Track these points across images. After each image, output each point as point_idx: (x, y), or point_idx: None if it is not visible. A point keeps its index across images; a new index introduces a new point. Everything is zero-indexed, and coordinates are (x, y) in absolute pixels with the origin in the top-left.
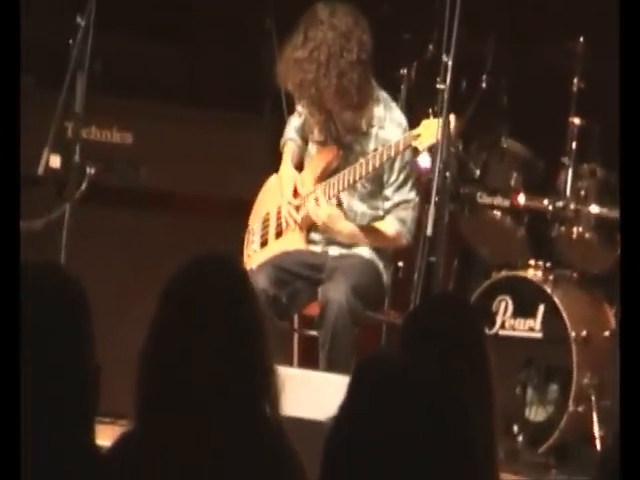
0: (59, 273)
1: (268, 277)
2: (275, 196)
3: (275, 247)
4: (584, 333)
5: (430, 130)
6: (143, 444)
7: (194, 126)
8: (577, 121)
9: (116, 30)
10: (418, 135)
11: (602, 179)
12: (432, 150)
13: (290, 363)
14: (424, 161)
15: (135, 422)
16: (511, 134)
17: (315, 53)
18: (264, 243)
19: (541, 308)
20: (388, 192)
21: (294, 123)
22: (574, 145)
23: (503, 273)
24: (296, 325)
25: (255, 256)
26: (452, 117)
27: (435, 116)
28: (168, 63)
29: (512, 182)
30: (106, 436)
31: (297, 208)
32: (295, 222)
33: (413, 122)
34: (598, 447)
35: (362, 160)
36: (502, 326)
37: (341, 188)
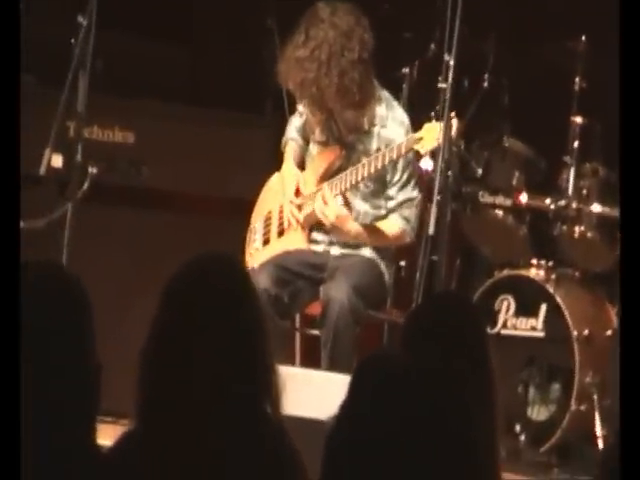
0: (60, 272)
1: (270, 276)
2: (277, 195)
3: (277, 246)
4: (586, 332)
5: (432, 134)
6: (144, 444)
7: (196, 125)
8: (579, 120)
9: (118, 29)
10: (420, 138)
11: (604, 178)
12: (434, 153)
13: (292, 362)
14: (426, 164)
15: (136, 422)
16: (513, 133)
17: (316, 52)
18: (266, 242)
19: (543, 307)
20: (392, 191)
21: (295, 123)
22: (576, 144)
23: (505, 272)
24: (298, 324)
25: (257, 254)
26: (454, 120)
27: (437, 118)
28: (170, 62)
29: (514, 181)
30: (108, 435)
31: (299, 207)
32: (297, 221)
33: (415, 121)
34: (600, 446)
35: (365, 161)
36: (504, 325)
37: (344, 188)
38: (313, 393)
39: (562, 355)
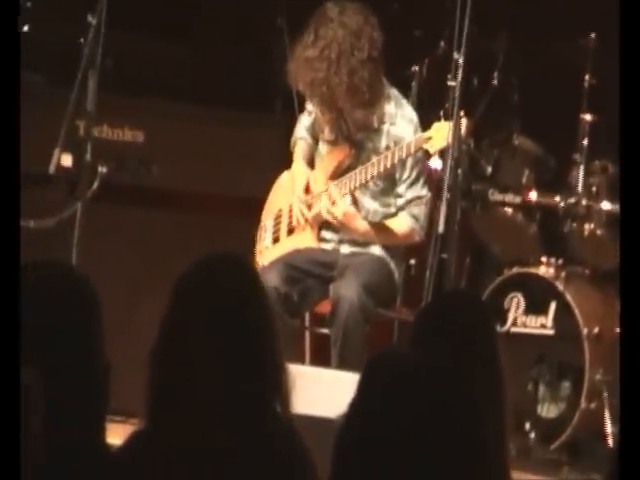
0: (69, 271)
1: (279, 275)
2: (287, 193)
3: (287, 244)
4: (596, 330)
5: (441, 133)
6: (153, 443)
7: (205, 124)
8: (588, 117)
9: (127, 29)
10: (429, 138)
11: (613, 175)
12: (443, 153)
13: (302, 361)
14: (435, 163)
15: (145, 421)
16: (522, 131)
17: (326, 52)
18: (276, 240)
19: (553, 305)
20: (401, 189)
21: (304, 122)
22: (585, 141)
23: (515, 270)
24: (307, 323)
25: (267, 252)
26: (464, 120)
27: (446, 116)
28: (179, 61)
29: (524, 179)
30: (118, 435)
31: (309, 206)
32: (305, 220)
33: (425, 119)
34: (610, 444)
35: (374, 160)
36: (514, 323)
37: (353, 187)
38: (323, 391)
39: (572, 353)
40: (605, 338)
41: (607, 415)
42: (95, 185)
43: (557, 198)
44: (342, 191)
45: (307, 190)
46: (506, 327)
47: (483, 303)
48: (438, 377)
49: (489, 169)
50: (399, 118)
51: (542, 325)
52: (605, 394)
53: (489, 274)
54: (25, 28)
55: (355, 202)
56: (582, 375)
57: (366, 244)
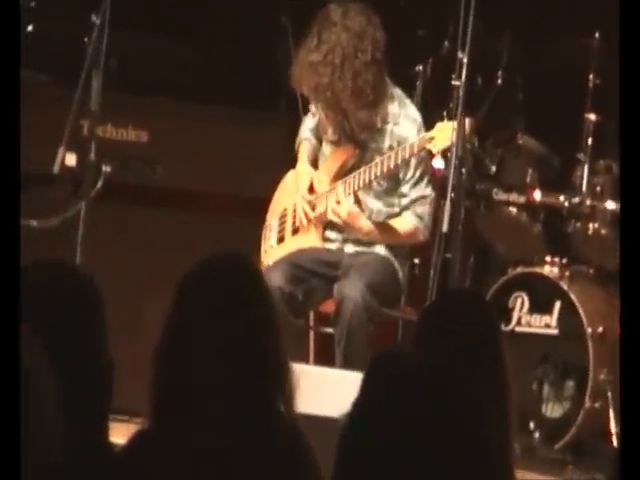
0: (72, 271)
1: (284, 274)
2: (292, 192)
3: (291, 244)
4: (600, 329)
5: (444, 133)
6: (157, 442)
7: (209, 124)
8: (593, 117)
9: (131, 28)
10: (432, 138)
11: (618, 175)
12: (446, 152)
13: (306, 360)
14: (438, 163)
15: (149, 420)
16: (527, 130)
17: (329, 56)
18: (281, 239)
19: (557, 304)
20: (405, 189)
21: (308, 124)
22: (590, 141)
23: (519, 269)
24: (312, 322)
25: (272, 252)
26: (467, 120)
27: (450, 115)
28: (183, 61)
29: (528, 178)
30: (122, 434)
31: (312, 206)
32: (308, 220)
33: (429, 119)
34: (615, 443)
35: (377, 160)
36: (518, 322)
37: (356, 187)
38: (327, 391)
39: (576, 352)
40: (609, 337)
41: (611, 414)
42: (99, 184)
43: (561, 198)
44: (347, 190)
45: (311, 190)
46: (510, 326)
47: (487, 302)
48: (442, 376)
49: (493, 168)
50: (402, 118)
51: (546, 325)
52: (609, 393)
53: (493, 273)
54: (29, 28)
55: (359, 202)
56: (586, 374)
57: (370, 244)
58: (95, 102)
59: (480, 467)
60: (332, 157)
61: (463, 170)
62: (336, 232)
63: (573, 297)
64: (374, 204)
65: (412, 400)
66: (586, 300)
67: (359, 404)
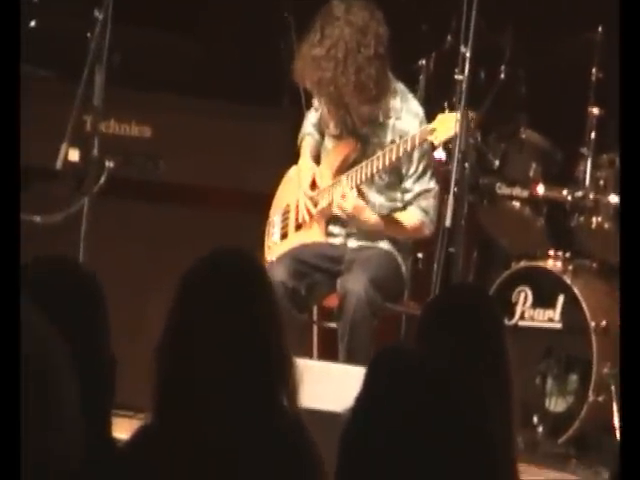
0: (74, 267)
1: (287, 269)
2: (295, 188)
3: (295, 239)
4: (604, 323)
5: (445, 124)
6: (160, 437)
7: (213, 119)
8: (596, 111)
9: (134, 23)
10: (433, 129)
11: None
12: (447, 144)
13: (309, 355)
14: (439, 153)
15: (152, 415)
16: (530, 125)
17: (332, 51)
18: (284, 235)
19: (561, 298)
20: (408, 184)
21: (311, 118)
22: (593, 135)
23: (522, 263)
24: (315, 317)
25: (275, 248)
26: (471, 113)
27: (451, 108)
28: (186, 56)
29: (531, 172)
30: (126, 429)
31: (315, 202)
32: (310, 216)
33: (432, 113)
34: (618, 437)
35: (379, 153)
36: (522, 317)
37: (359, 181)
38: (331, 386)
39: (580, 346)
40: (612, 331)
41: (615, 408)
42: (102, 180)
43: (564, 192)
44: (350, 184)
45: (313, 186)
46: (514, 321)
47: (490, 297)
48: (445, 371)
49: (496, 163)
50: (405, 112)
51: (550, 319)
52: (613, 387)
53: (497, 268)
54: (32, 23)
55: (361, 196)
56: (590, 368)
57: (374, 238)
58: (98, 97)
59: (483, 461)
60: (334, 151)
61: (466, 164)
62: (339, 227)
63: (576, 291)
64: (376, 198)
65: (415, 395)
66: (589, 294)
67: (362, 399)
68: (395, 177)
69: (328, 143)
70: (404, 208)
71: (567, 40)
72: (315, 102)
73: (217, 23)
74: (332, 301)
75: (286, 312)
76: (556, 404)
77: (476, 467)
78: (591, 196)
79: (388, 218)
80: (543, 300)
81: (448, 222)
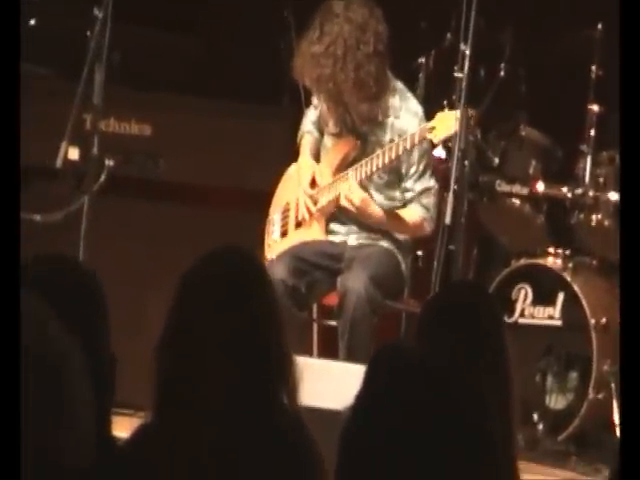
0: (74, 265)
1: (287, 267)
2: (295, 186)
3: (295, 238)
4: (604, 320)
5: (445, 123)
6: (160, 436)
7: (212, 118)
8: (595, 108)
9: (134, 22)
10: (433, 128)
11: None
12: (447, 142)
13: (310, 353)
14: (439, 152)
15: (152, 414)
16: (529, 122)
17: (332, 48)
18: (284, 233)
19: (561, 296)
20: (409, 183)
21: (310, 116)
22: (592, 132)
23: (522, 261)
24: (315, 315)
25: (275, 246)
26: (471, 111)
27: (451, 107)
28: (186, 54)
29: (531, 170)
30: (126, 428)
31: (315, 201)
32: (310, 214)
33: (432, 111)
34: (618, 434)
35: (379, 152)
36: (522, 314)
37: (358, 179)
38: (331, 384)
39: (580, 344)
40: (612, 329)
41: (615, 406)
42: (102, 178)
43: (564, 189)
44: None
45: (313, 184)
46: (514, 318)
47: (490, 294)
48: (445, 369)
49: (496, 160)
50: (404, 111)
51: (550, 316)
52: (613, 385)
53: (496, 265)
54: (32, 22)
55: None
56: (590, 366)
57: (374, 236)
58: (98, 96)
59: (483, 459)
60: (334, 149)
61: (466, 162)
62: (339, 224)
63: (576, 288)
64: (375, 197)
65: (415, 392)
66: (589, 291)
67: (362, 397)
68: (394, 176)
69: (327, 141)
70: (404, 206)
71: (566, 37)
72: (314, 100)
73: (217, 22)
74: (332, 299)
75: (286, 310)
76: (556, 401)
77: (476, 465)
78: (591, 193)
79: (391, 214)
80: (543, 297)
81: (448, 220)
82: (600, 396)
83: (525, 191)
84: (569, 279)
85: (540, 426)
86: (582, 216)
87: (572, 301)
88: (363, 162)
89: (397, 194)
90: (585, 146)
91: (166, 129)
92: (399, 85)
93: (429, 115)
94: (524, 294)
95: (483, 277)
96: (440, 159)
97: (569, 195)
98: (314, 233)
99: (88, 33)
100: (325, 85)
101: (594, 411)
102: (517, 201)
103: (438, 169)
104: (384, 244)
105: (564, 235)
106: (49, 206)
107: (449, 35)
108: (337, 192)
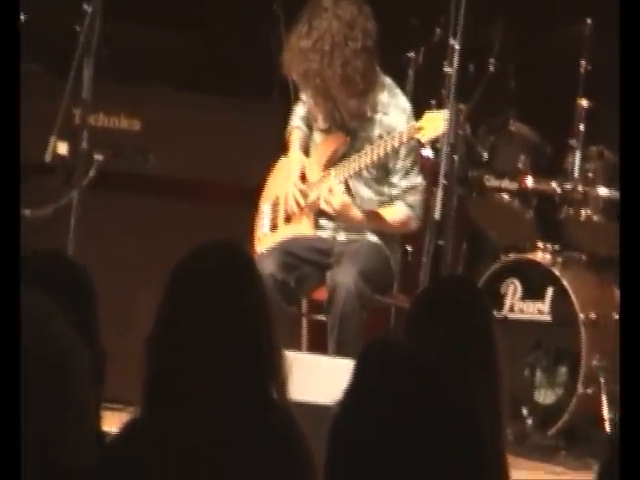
0: (65, 261)
1: (276, 262)
2: (284, 180)
3: (284, 231)
4: (593, 315)
5: (433, 123)
6: (149, 430)
7: (202, 112)
8: (584, 103)
9: (123, 16)
10: (421, 128)
11: (610, 161)
12: (435, 142)
13: (299, 348)
14: (426, 152)
15: (142, 408)
16: (519, 117)
17: (319, 43)
18: (274, 227)
19: (550, 291)
20: (395, 179)
21: (299, 112)
22: (581, 127)
23: (511, 256)
24: (304, 310)
25: (265, 239)
26: (460, 106)
27: (440, 104)
28: (175, 49)
29: (520, 165)
30: (115, 423)
31: (305, 194)
32: (299, 208)
33: (421, 106)
34: (607, 429)
35: (367, 149)
36: (511, 309)
37: (347, 176)
38: (320, 378)
39: (569, 338)
40: (602, 323)
41: (604, 400)
42: (91, 173)
43: (553, 184)
44: (336, 180)
45: (303, 178)
46: (503, 313)
47: (479, 289)
48: (434, 363)
49: (485, 155)
50: (392, 107)
51: (539, 311)
52: (602, 379)
53: (486, 260)
54: (21, 17)
55: (349, 190)
56: (579, 361)
57: (363, 231)
58: (87, 91)
59: (472, 453)
60: (323, 145)
61: (455, 157)
62: (328, 220)
63: (565, 283)
64: (365, 192)
65: (404, 387)
66: (578, 286)
67: (351, 391)
68: (382, 172)
69: (317, 137)
70: (391, 202)
71: (555, 32)
72: (302, 96)
73: (206, 17)
74: (321, 294)
75: (275, 305)
76: (545, 396)
77: (465, 459)
78: (580, 188)
79: (374, 214)
80: (532, 292)
81: (437, 215)
82: (589, 391)
83: (514, 186)
84: (558, 274)
85: (529, 421)
86: (571, 211)
87: (561, 296)
88: (350, 159)
89: (386, 189)
90: (574, 141)
91: (155, 124)
92: (388, 81)
93: (418, 111)
94: (513, 289)
95: (472, 272)
96: (428, 159)
97: (558, 190)
98: (303, 228)
99: (77, 28)
100: (312, 80)
101: (583, 406)
102: (506, 196)
103: (426, 165)
104: (373, 239)
105: (553, 230)
106: (38, 201)
107: (438, 30)
108: (320, 192)
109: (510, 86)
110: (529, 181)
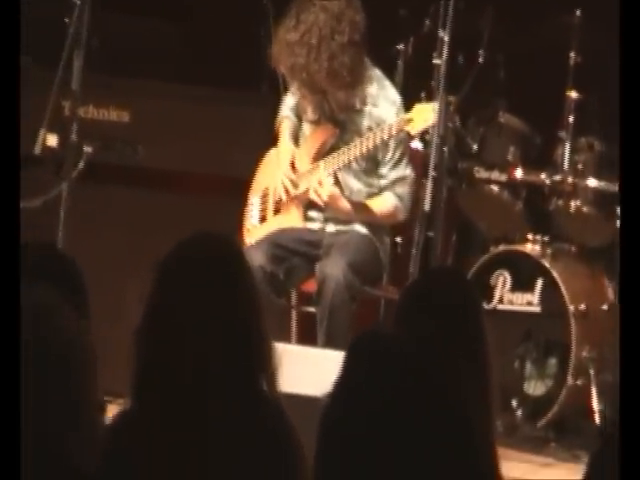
0: (54, 253)
1: (265, 254)
2: (274, 171)
3: (273, 223)
4: (582, 307)
5: (422, 115)
6: (139, 422)
7: (191, 104)
8: (574, 95)
9: (112, 8)
10: (410, 119)
11: (599, 152)
12: (424, 134)
13: (288, 339)
14: (415, 144)
15: (131, 400)
16: (508, 109)
17: (306, 36)
18: (263, 218)
19: (539, 282)
20: (384, 170)
21: (288, 102)
22: (571, 119)
23: (501, 247)
24: (294, 302)
25: (254, 231)
26: (450, 98)
27: (429, 95)
28: (165, 40)
29: (509, 156)
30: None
31: (295, 184)
32: (288, 196)
33: (411, 97)
34: (597, 421)
35: (356, 141)
36: (500, 300)
37: (336, 168)
38: (309, 370)
39: (558, 330)
40: (591, 315)
41: (594, 392)
42: (81, 165)
43: (543, 175)
44: (326, 171)
45: (293, 168)
46: (492, 304)
47: (469, 280)
48: (423, 355)
49: (475, 147)
50: (381, 99)
51: (528, 302)
52: (591, 371)
53: (475, 252)
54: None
55: (337, 182)
56: (569, 352)
57: (352, 223)
58: (76, 82)
59: (462, 445)
60: (312, 137)
61: (445, 149)
62: (318, 211)
63: (555, 275)
64: (354, 184)
65: (393, 379)
66: (568, 278)
67: (341, 383)
68: (372, 163)
69: (306, 128)
70: (379, 194)
71: (545, 24)
72: (292, 87)
73: (196, 8)
74: (311, 285)
75: (265, 296)
76: (535, 388)
77: (455, 451)
78: (569, 180)
79: (363, 205)
80: (522, 284)
81: (427, 206)
82: (579, 382)
83: (504, 177)
84: (548, 265)
85: (519, 412)
86: (561, 202)
87: (551, 287)
88: (340, 151)
89: (375, 181)
90: (564, 132)
91: (145, 115)
92: (377, 73)
93: (407, 102)
94: (503, 280)
95: (462, 263)
96: (418, 150)
97: (548, 181)
98: (293, 220)
99: (66, 19)
100: (299, 74)
101: (573, 397)
102: (496, 187)
103: (415, 157)
104: (362, 230)
105: (543, 221)
106: (28, 193)
107: (428, 22)
108: (310, 184)
109: (500, 77)
110: (519, 172)
